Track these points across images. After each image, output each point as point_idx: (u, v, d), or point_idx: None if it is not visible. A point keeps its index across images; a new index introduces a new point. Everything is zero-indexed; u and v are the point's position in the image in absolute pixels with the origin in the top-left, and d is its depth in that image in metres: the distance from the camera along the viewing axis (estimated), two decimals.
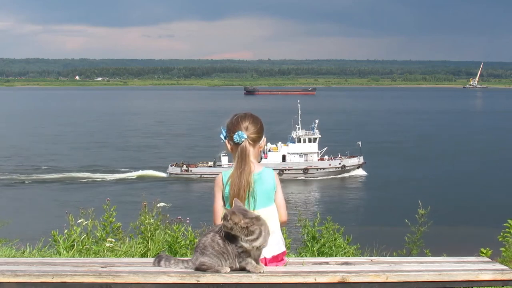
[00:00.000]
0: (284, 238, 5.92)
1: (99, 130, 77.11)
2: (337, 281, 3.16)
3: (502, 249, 6.46)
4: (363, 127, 76.72)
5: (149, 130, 78.30)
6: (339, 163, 46.72)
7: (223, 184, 3.59)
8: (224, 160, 44.33)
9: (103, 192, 36.79)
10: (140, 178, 44.98)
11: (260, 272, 3.17)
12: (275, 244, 3.51)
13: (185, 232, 6.38)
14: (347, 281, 3.17)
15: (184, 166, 45.88)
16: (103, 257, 5.70)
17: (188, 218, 6.77)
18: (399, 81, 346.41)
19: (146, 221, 6.28)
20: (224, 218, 3.20)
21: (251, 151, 3.60)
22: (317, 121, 47.56)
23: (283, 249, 3.59)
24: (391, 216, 30.54)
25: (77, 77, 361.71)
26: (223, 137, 3.67)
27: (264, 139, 3.71)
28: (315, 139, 47.02)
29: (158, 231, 6.35)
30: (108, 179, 44.40)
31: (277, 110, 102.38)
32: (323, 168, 46.75)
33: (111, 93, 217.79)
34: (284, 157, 46.88)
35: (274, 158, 46.42)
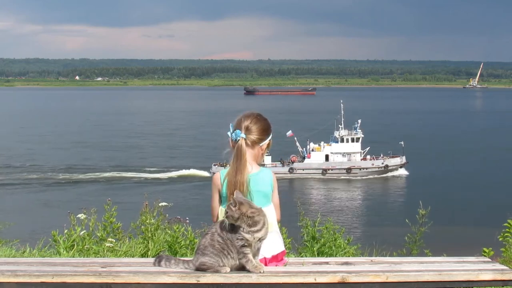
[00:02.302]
0: (284, 238, 5.94)
1: (127, 130, 76.82)
2: (337, 281, 3.16)
3: (503, 249, 6.46)
4: (364, 127, 76.51)
5: (177, 130, 78.05)
6: (382, 163, 46.88)
7: (220, 183, 3.61)
8: (267, 159, 43.57)
9: (145, 192, 36.12)
10: (183, 177, 44.94)
11: (260, 272, 3.17)
12: (275, 243, 3.52)
13: (185, 232, 6.38)
14: (347, 281, 3.17)
15: (227, 165, 45.68)
16: (103, 257, 5.70)
17: (187, 218, 6.76)
18: (399, 81, 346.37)
19: (147, 221, 6.28)
20: (229, 208, 3.18)
21: (250, 152, 3.62)
22: (359, 121, 47.77)
23: (283, 248, 3.60)
24: (391, 216, 30.59)
25: (77, 77, 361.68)
26: (229, 134, 3.69)
27: (267, 142, 3.69)
28: (358, 138, 47.17)
29: (158, 231, 6.34)
30: (151, 177, 44.37)
31: (277, 110, 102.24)
32: (366, 168, 46.91)
33: (111, 93, 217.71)
34: (327, 157, 46.98)
35: (317, 158, 46.68)
